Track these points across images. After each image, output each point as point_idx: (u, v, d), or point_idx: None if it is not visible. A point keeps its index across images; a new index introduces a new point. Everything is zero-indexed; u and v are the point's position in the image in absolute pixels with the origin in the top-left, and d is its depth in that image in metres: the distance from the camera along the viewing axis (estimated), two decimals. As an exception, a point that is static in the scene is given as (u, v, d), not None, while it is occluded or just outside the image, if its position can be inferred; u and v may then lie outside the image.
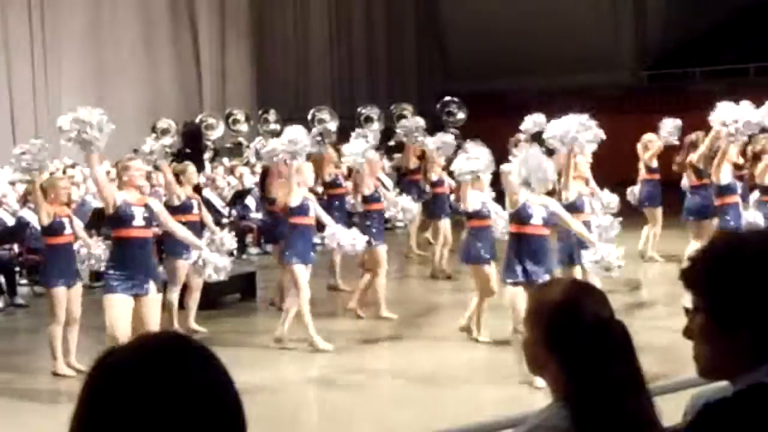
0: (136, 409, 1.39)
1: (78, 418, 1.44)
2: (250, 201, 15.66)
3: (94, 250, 9.26)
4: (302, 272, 9.27)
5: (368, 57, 23.96)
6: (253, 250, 15.43)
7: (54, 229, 8.87)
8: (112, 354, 1.48)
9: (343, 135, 17.92)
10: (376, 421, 7.43)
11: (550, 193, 8.59)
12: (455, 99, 18.97)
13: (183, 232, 8.55)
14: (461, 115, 18.83)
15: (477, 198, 9.39)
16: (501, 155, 13.33)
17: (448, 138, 13.52)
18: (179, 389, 1.41)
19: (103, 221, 9.91)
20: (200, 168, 13.95)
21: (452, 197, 12.25)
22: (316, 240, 10.38)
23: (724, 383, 1.92)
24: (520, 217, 8.11)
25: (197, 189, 11.39)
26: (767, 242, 1.96)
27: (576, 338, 2.38)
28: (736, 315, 1.84)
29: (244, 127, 19.30)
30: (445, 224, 13.16)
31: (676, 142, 12.68)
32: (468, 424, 6.79)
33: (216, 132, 18.64)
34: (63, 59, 18.54)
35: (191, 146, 17.58)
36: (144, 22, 20.10)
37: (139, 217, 7.81)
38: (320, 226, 10.02)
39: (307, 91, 22.34)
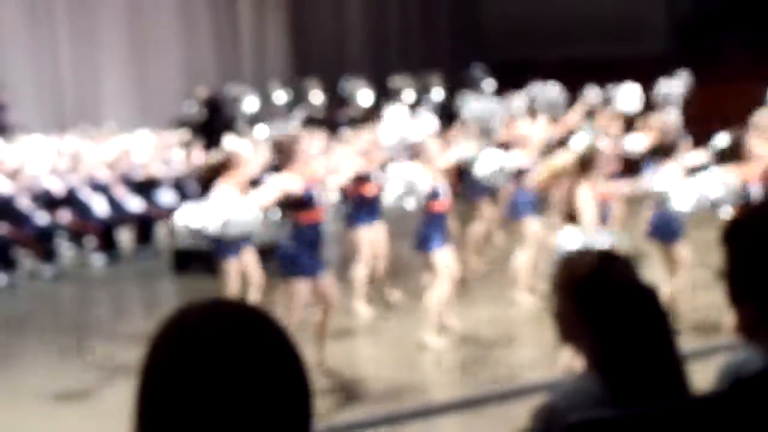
0: (199, 372, 1.40)
1: (144, 379, 1.45)
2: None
3: None
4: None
5: (401, 24, 24.02)
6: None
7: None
8: (184, 318, 1.48)
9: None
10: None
11: None
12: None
13: None
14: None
15: None
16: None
17: None
18: (242, 356, 1.40)
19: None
20: (217, 140, 13.33)
21: None
22: None
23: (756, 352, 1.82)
24: None
25: None
26: None
27: (607, 306, 2.43)
28: (747, 283, 1.77)
29: (282, 98, 19.43)
30: None
31: None
32: (501, 387, 7.19)
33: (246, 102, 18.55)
34: (103, 30, 18.86)
35: (212, 117, 17.65)
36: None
37: None
38: None
39: (342, 58, 22.46)
